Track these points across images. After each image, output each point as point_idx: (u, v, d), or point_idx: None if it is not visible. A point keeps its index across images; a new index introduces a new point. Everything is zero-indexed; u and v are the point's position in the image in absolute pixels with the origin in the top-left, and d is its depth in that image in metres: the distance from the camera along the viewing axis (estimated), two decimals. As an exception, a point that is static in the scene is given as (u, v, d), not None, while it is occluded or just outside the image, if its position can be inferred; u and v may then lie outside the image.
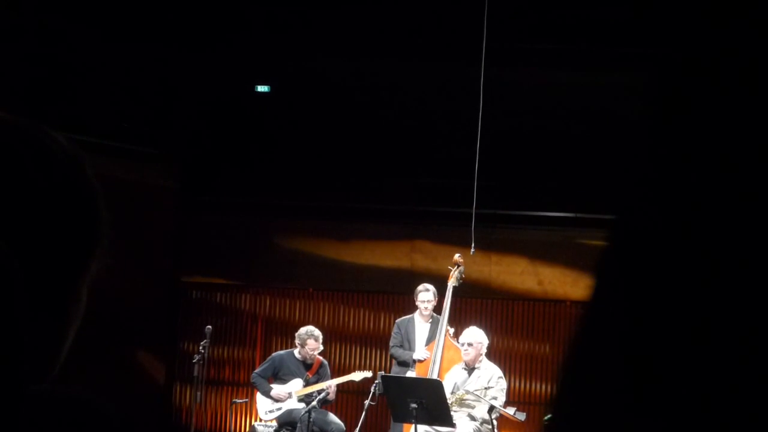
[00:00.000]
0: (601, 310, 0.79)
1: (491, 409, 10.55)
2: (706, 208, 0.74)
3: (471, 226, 11.70)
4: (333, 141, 14.60)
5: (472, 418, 10.69)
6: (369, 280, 14.91)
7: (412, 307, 12.25)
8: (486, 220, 12.97)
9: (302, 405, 11.86)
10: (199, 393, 12.15)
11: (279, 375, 12.15)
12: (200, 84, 14.42)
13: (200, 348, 12.08)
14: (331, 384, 11.90)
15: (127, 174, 13.58)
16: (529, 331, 14.73)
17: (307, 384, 12.05)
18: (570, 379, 0.79)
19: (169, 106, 14.31)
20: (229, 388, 14.93)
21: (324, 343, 12.61)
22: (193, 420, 12.58)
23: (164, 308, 14.69)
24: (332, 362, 13.70)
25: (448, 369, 11.22)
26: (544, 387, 14.43)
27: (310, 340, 12.02)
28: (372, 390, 11.04)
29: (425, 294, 11.89)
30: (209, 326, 12.34)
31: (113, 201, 1.35)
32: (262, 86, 14.77)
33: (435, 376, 11.09)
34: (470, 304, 14.31)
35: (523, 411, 10.94)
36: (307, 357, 12.08)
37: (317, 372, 12.14)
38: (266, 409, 12.11)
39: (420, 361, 11.63)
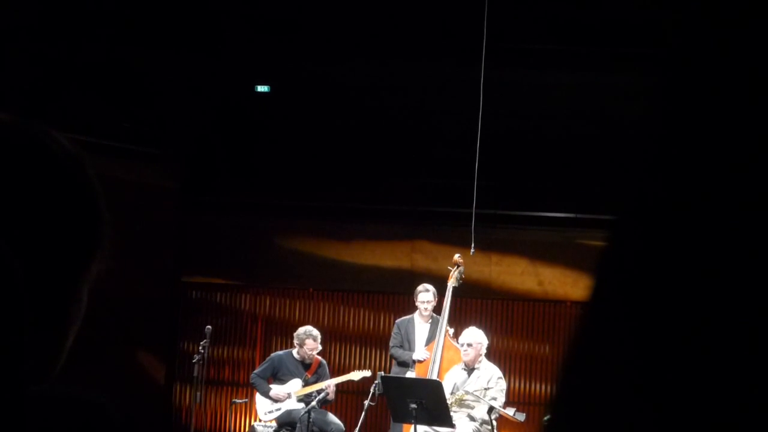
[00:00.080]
0: (601, 310, 0.79)
1: (491, 409, 10.55)
2: (706, 209, 0.74)
3: (471, 227, 11.70)
4: (333, 141, 14.60)
5: (472, 418, 10.69)
6: (369, 281, 14.90)
7: (411, 308, 12.25)
8: (486, 221, 12.97)
9: (301, 405, 11.85)
10: (198, 393, 12.15)
11: (278, 375, 12.15)
12: (201, 84, 14.42)
13: (200, 348, 12.08)
14: (330, 384, 11.90)
15: (128, 174, 13.57)
16: (529, 332, 14.72)
17: (306, 384, 12.05)
18: (570, 380, 0.80)
19: (170, 106, 14.30)
20: (229, 388, 14.93)
21: (324, 343, 12.61)
22: (193, 420, 12.58)
23: (164, 308, 14.68)
24: (332, 362, 13.70)
25: (447, 369, 11.22)
26: (543, 387, 14.43)
27: (308, 340, 12.01)
28: (372, 390, 11.04)
29: (425, 294, 11.89)
30: (209, 326, 12.34)
31: (113, 201, 1.35)
32: (262, 86, 14.77)
33: (435, 377, 11.09)
34: (470, 305, 14.31)
35: (522, 411, 10.94)
36: (306, 357, 12.07)
37: (316, 372, 12.13)
38: (266, 409, 12.11)
39: (420, 361, 11.63)
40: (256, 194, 14.85)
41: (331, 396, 11.89)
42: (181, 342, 14.98)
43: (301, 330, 12.20)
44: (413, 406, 10.13)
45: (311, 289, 15.11)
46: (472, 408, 10.75)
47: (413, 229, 14.79)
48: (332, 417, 12.01)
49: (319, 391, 11.82)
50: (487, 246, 13.49)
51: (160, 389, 14.80)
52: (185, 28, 13.92)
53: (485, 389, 10.74)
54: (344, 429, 12.00)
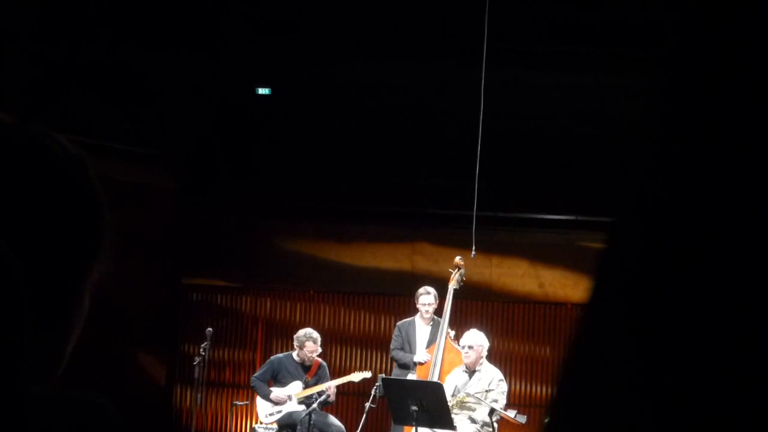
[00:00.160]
0: (601, 312, 0.79)
1: (492, 411, 10.55)
2: (706, 209, 0.74)
3: (472, 229, 11.70)
4: (334, 142, 14.61)
5: (473, 420, 10.69)
6: (370, 282, 14.90)
7: (412, 310, 12.25)
8: (487, 223, 12.97)
9: (302, 407, 11.85)
10: (199, 395, 12.15)
11: (278, 378, 12.15)
12: (201, 84, 14.43)
13: (201, 350, 12.08)
14: (330, 385, 11.90)
15: (128, 175, 13.57)
16: (530, 334, 14.72)
17: (306, 386, 12.04)
18: (570, 381, 0.79)
19: (170, 107, 14.30)
20: (230, 390, 14.93)
21: (324, 345, 12.60)
22: (194, 422, 12.59)
23: (165, 310, 14.68)
24: (333, 364, 13.70)
25: (448, 371, 11.22)
26: (544, 390, 14.43)
27: (308, 342, 12.01)
28: (372, 392, 11.04)
29: (426, 297, 11.89)
30: (210, 328, 12.34)
31: (113, 202, 1.35)
32: (263, 88, 14.78)
33: (436, 379, 11.09)
34: (471, 307, 14.31)
35: (523, 414, 10.95)
36: (306, 359, 12.07)
37: (316, 374, 12.13)
38: (266, 412, 12.11)
39: (421, 363, 11.63)
40: (256, 195, 14.85)
41: (332, 397, 11.89)
42: (181, 344, 14.98)
43: (301, 332, 12.20)
44: (414, 408, 10.13)
45: (312, 291, 15.11)
46: (473, 410, 10.75)
47: (414, 230, 14.79)
48: (333, 419, 12.01)
49: (319, 393, 11.81)
50: (487, 248, 13.49)
51: (161, 391, 14.80)
52: (185, 28, 13.92)
53: (486, 391, 10.74)
54: (345, 431, 12.00)
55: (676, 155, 0.76)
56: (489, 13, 11.62)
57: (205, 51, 14.15)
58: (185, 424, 14.29)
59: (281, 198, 14.81)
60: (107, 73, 13.63)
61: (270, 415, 12.07)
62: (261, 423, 12.18)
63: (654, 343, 0.74)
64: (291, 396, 12.02)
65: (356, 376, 12.19)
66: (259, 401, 12.17)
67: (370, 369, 12.96)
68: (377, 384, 11.06)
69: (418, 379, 11.35)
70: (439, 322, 11.70)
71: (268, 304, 15.24)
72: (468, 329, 11.28)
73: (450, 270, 11.89)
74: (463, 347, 11.01)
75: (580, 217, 14.01)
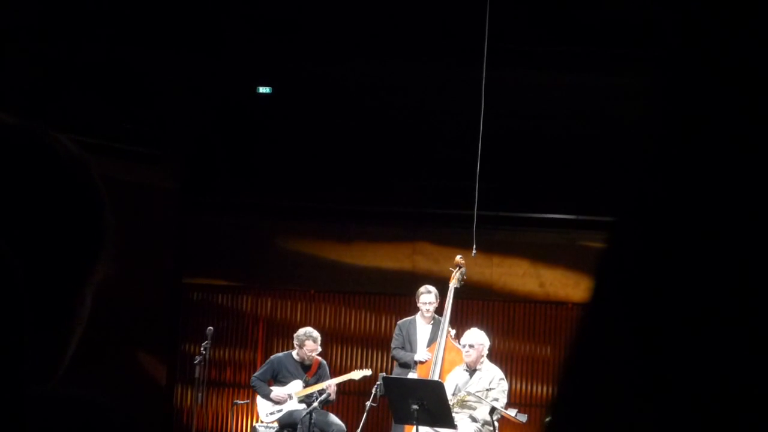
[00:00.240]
0: (601, 312, 0.79)
1: (492, 410, 10.55)
2: (706, 209, 0.74)
3: (473, 228, 11.70)
4: (334, 142, 14.61)
5: (474, 419, 10.70)
6: (370, 282, 14.91)
7: (413, 309, 12.25)
8: (488, 222, 12.97)
9: (302, 406, 11.85)
10: (200, 394, 12.15)
11: (278, 377, 12.15)
12: (201, 84, 14.43)
13: (201, 349, 12.08)
14: (331, 384, 11.90)
15: (129, 175, 13.57)
16: (531, 333, 14.72)
17: (306, 385, 12.04)
18: (570, 381, 0.79)
19: (170, 107, 14.30)
20: (231, 389, 14.93)
21: (325, 344, 12.60)
22: (195, 421, 12.59)
23: (165, 309, 14.68)
24: (334, 364, 13.70)
25: (449, 370, 11.22)
26: (545, 389, 14.43)
27: (308, 341, 12.01)
28: (373, 391, 11.04)
29: (427, 296, 11.90)
30: (210, 327, 12.34)
31: (114, 202, 1.35)
32: (264, 87, 14.78)
33: (436, 378, 11.09)
34: (472, 306, 14.31)
35: (524, 413, 10.95)
36: (305, 358, 12.07)
37: (316, 373, 12.13)
38: (267, 411, 12.11)
39: (421, 362, 11.64)
40: (256, 195, 14.85)
41: (333, 396, 11.89)
42: (182, 343, 14.98)
43: (301, 331, 12.20)
44: (415, 407, 10.14)
45: (312, 291, 15.11)
46: (474, 409, 10.75)
47: (415, 230, 14.79)
48: (334, 418, 12.01)
49: (320, 392, 11.81)
50: (488, 247, 13.50)
51: (162, 390, 14.80)
52: (185, 28, 13.92)
53: (487, 390, 10.74)
54: (346, 430, 12.00)
55: (676, 155, 0.76)
56: (489, 13, 11.62)
57: (205, 51, 14.15)
58: (186, 423, 14.29)
59: (282, 198, 14.81)
60: (107, 73, 13.63)
61: (270, 414, 12.07)
62: (261, 422, 12.18)
63: (654, 342, 0.74)
64: (291, 395, 12.02)
65: (356, 374, 12.19)
66: (260, 400, 12.17)
67: (371, 368, 12.96)
68: (378, 383, 11.06)
69: (419, 378, 11.35)
70: (439, 321, 11.70)
71: (269, 303, 15.24)
72: (469, 328, 11.29)
73: (451, 269, 11.89)
74: (464, 346, 11.01)
75: (580, 217, 14.01)
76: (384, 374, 11.62)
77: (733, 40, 0.75)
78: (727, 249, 0.73)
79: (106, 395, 1.27)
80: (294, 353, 12.18)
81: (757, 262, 0.72)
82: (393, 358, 12.28)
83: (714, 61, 0.75)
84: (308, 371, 12.12)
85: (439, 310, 11.86)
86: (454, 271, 11.82)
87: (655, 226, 0.76)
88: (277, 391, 12.05)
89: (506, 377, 11.18)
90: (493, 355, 11.69)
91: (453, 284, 11.78)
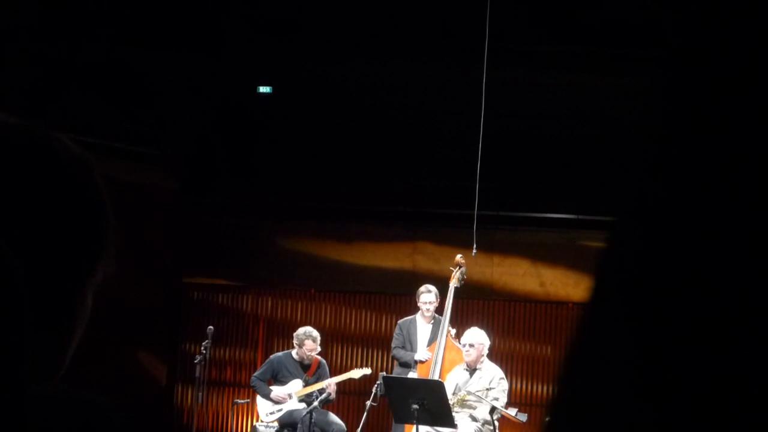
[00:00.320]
0: (601, 311, 0.79)
1: (493, 410, 10.55)
2: (706, 209, 0.74)
3: (473, 228, 11.70)
4: (335, 142, 14.61)
5: (474, 419, 10.70)
6: (371, 282, 14.91)
7: (413, 308, 12.25)
8: (488, 222, 12.98)
9: (302, 405, 11.85)
10: (200, 394, 12.15)
11: (278, 377, 12.15)
12: (201, 84, 14.43)
13: (202, 349, 12.08)
14: (330, 383, 11.89)
15: (129, 174, 13.57)
16: (531, 333, 14.72)
17: (306, 384, 12.04)
18: (570, 381, 0.79)
19: (170, 107, 14.31)
20: (231, 388, 14.93)
21: (326, 344, 12.59)
22: (195, 421, 12.58)
23: (166, 309, 14.69)
24: (334, 363, 13.70)
25: (449, 370, 11.22)
26: (545, 388, 14.43)
27: (307, 340, 12.01)
28: (373, 391, 11.04)
29: (427, 295, 11.90)
30: (211, 327, 12.33)
31: (115, 202, 1.35)
32: (264, 87, 14.78)
33: (436, 377, 11.09)
34: (472, 306, 14.31)
35: (524, 412, 10.95)
36: (305, 357, 12.07)
37: (316, 372, 12.13)
38: (267, 411, 12.10)
39: (422, 362, 11.64)
40: (257, 195, 14.85)
41: (333, 395, 11.89)
42: (182, 343, 14.99)
43: (301, 330, 12.20)
44: (415, 406, 10.14)
45: (313, 290, 15.11)
46: (474, 408, 10.75)
47: (415, 230, 14.80)
48: (334, 417, 12.01)
49: (320, 391, 11.81)
50: (489, 247, 13.50)
51: (162, 390, 14.80)
52: (185, 28, 13.92)
53: (487, 390, 10.74)
54: (346, 429, 12.00)
55: (676, 155, 0.76)
56: (489, 13, 11.62)
57: (205, 51, 14.15)
58: (186, 423, 14.29)
59: (282, 197, 14.82)
60: (107, 73, 13.64)
61: (270, 413, 12.07)
62: (262, 422, 12.18)
63: (654, 342, 0.74)
64: (291, 394, 12.02)
65: (356, 373, 12.19)
66: (259, 400, 12.17)
67: (372, 368, 12.96)
68: (378, 382, 11.06)
69: (419, 377, 11.35)
70: (440, 321, 11.70)
71: (270, 303, 15.25)
72: (469, 328, 11.29)
73: (451, 268, 11.89)
74: (464, 345, 11.01)
75: (581, 216, 14.01)
76: (384, 374, 11.62)
77: (733, 40, 0.75)
78: (726, 249, 0.73)
79: (106, 395, 1.27)
80: (293, 353, 12.18)
81: (757, 261, 0.72)
82: (393, 358, 12.28)
83: (714, 61, 0.75)
84: (308, 371, 12.12)
85: (440, 310, 11.86)
86: (455, 271, 11.82)
87: (655, 226, 0.76)
88: (277, 390, 12.05)
89: (506, 377, 11.17)
90: (494, 355, 11.69)
91: (453, 284, 11.78)
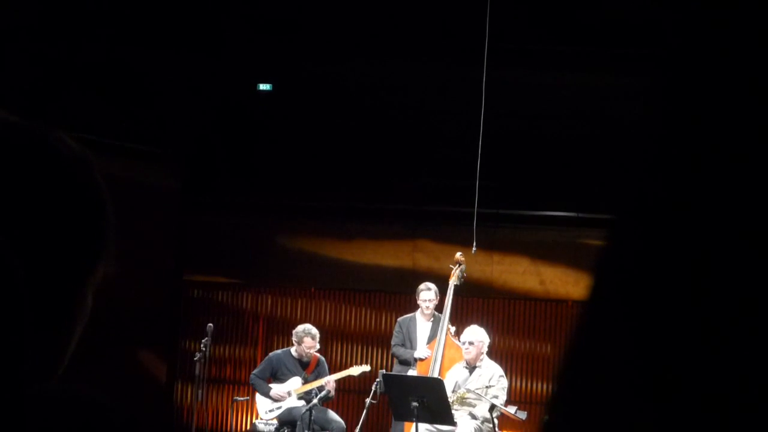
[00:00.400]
0: (599, 310, 0.79)
1: (492, 407, 10.55)
2: (706, 209, 0.74)
3: (473, 226, 11.70)
4: (335, 141, 14.60)
5: (473, 416, 10.70)
6: (371, 280, 14.91)
7: (413, 306, 12.25)
8: (488, 220, 12.98)
9: (302, 403, 11.85)
10: (200, 391, 12.14)
11: (277, 375, 12.15)
12: (201, 84, 14.42)
13: (201, 346, 12.07)
14: (329, 380, 11.90)
15: (129, 172, 13.57)
16: (531, 331, 14.72)
17: (305, 382, 12.04)
18: (568, 379, 0.80)
19: (170, 106, 14.30)
20: (231, 386, 14.93)
21: (326, 342, 12.59)
22: (195, 418, 12.58)
23: (166, 307, 14.68)
24: (334, 361, 13.70)
25: (449, 368, 11.22)
26: (545, 386, 14.43)
27: (306, 338, 12.02)
28: (373, 388, 11.04)
29: (427, 293, 11.90)
30: (210, 324, 12.33)
31: (115, 200, 1.35)
32: (264, 84, 14.76)
33: (436, 375, 11.09)
34: (472, 304, 14.31)
35: (524, 410, 10.95)
36: (304, 355, 12.07)
37: (315, 369, 12.13)
38: (266, 408, 12.10)
39: (421, 359, 11.64)
40: (257, 193, 14.85)
41: (332, 393, 11.89)
42: (182, 340, 14.99)
43: (300, 328, 12.20)
44: (415, 404, 10.14)
45: (313, 289, 15.11)
46: (474, 406, 10.75)
47: (415, 228, 14.80)
48: (333, 415, 12.01)
49: (320, 389, 11.81)
50: (488, 245, 13.50)
51: (162, 388, 14.80)
52: (185, 28, 13.92)
53: (487, 387, 10.74)
54: (345, 427, 12.00)
55: (676, 154, 0.76)
56: (489, 13, 11.61)
57: (205, 51, 14.14)
58: (186, 420, 14.29)
59: (282, 196, 14.81)
60: (107, 73, 13.63)
61: (270, 411, 12.07)
62: (261, 419, 12.18)
63: (654, 341, 0.74)
64: (290, 392, 12.02)
65: (355, 370, 12.20)
66: (259, 398, 12.17)
67: (371, 366, 12.96)
68: (378, 380, 11.06)
69: (419, 375, 11.36)
70: (439, 319, 11.70)
71: (269, 300, 15.25)
72: (469, 325, 11.29)
73: (451, 266, 11.90)
74: (464, 343, 11.01)
75: (581, 215, 14.01)
76: (384, 371, 11.62)
77: (733, 40, 0.75)
78: (726, 247, 0.73)
79: (106, 393, 1.27)
80: (292, 350, 12.18)
81: (757, 260, 0.72)
82: (393, 356, 12.28)
83: (714, 61, 0.76)
84: (307, 368, 12.13)
85: (439, 308, 11.86)
86: (454, 269, 11.82)
87: (654, 225, 0.76)
88: (276, 388, 12.05)
89: (506, 374, 11.17)
90: (493, 353, 11.69)
91: (453, 281, 11.78)
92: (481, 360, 10.98)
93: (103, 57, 13.54)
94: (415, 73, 14.14)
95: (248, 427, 14.22)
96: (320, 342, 12.19)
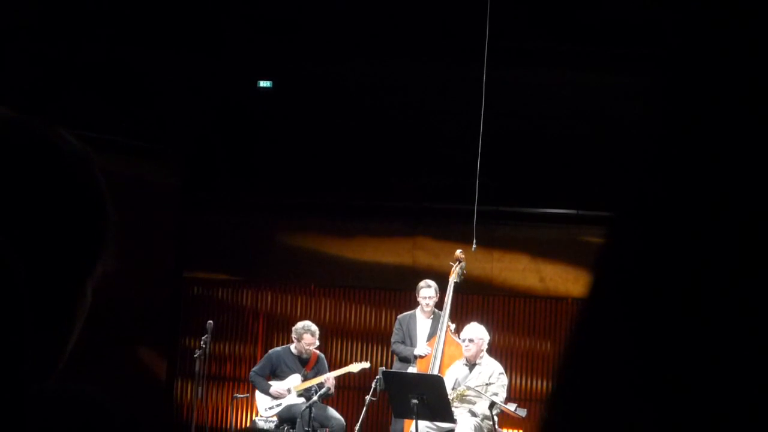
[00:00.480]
0: (599, 307, 0.79)
1: (492, 405, 10.56)
2: (705, 208, 0.74)
3: (473, 223, 11.70)
4: (335, 138, 14.60)
5: (473, 414, 10.70)
6: (371, 277, 14.91)
7: (413, 304, 12.26)
8: (488, 217, 12.98)
9: (302, 400, 11.86)
10: (200, 388, 12.14)
11: (276, 372, 12.15)
12: (201, 83, 14.42)
13: (201, 344, 12.07)
14: (329, 377, 11.90)
15: (129, 170, 13.57)
16: (531, 328, 14.73)
17: (305, 379, 12.05)
18: (567, 377, 0.80)
19: (171, 105, 14.30)
20: (231, 383, 14.94)
21: (325, 339, 12.58)
22: (195, 415, 12.58)
23: (166, 304, 14.68)
24: (333, 358, 13.70)
25: (449, 365, 11.23)
26: (545, 384, 14.44)
27: (306, 334, 12.02)
28: (373, 386, 11.04)
29: (427, 290, 11.90)
30: (210, 322, 12.32)
31: (115, 197, 1.35)
32: (264, 82, 14.76)
33: (436, 372, 11.09)
34: (472, 301, 14.31)
35: (524, 408, 10.95)
36: (303, 352, 12.07)
37: (314, 366, 12.13)
38: (266, 406, 12.11)
39: (421, 356, 11.64)
40: (257, 191, 14.85)
41: (332, 390, 11.89)
42: (182, 338, 14.99)
43: (300, 324, 12.21)
44: (414, 401, 10.14)
45: (313, 286, 15.11)
46: (474, 403, 10.75)
47: (415, 225, 14.80)
48: (333, 412, 12.01)
49: (319, 386, 11.81)
50: (488, 242, 13.50)
51: (162, 385, 14.80)
52: (185, 27, 13.91)
53: (486, 385, 10.75)
54: (345, 424, 12.00)
55: (676, 153, 0.76)
56: (489, 12, 11.61)
57: (205, 50, 14.14)
58: (186, 418, 14.29)
59: (282, 194, 14.82)
60: (107, 73, 13.63)
61: (270, 408, 12.07)
62: (261, 416, 12.18)
63: (653, 339, 0.74)
64: (290, 389, 12.02)
65: (355, 367, 12.20)
66: (259, 395, 12.17)
67: (371, 363, 12.96)
68: (378, 377, 11.07)
69: (419, 372, 11.36)
70: (439, 316, 11.70)
71: (269, 298, 15.25)
72: (468, 323, 11.29)
73: (451, 264, 11.90)
74: (464, 340, 11.01)
75: (581, 212, 14.01)
76: (384, 368, 11.63)
77: (733, 40, 0.75)
78: (726, 247, 0.73)
79: (106, 391, 1.27)
80: (292, 347, 12.19)
81: (757, 259, 0.72)
82: (393, 353, 12.28)
83: (714, 61, 0.76)
84: (306, 365, 12.13)
85: (439, 305, 11.86)
86: (454, 266, 11.82)
87: (654, 224, 0.76)
88: (276, 385, 12.05)
89: (506, 372, 11.18)
90: (493, 350, 11.69)
91: (453, 279, 11.78)
92: (481, 357, 10.98)
93: (103, 57, 13.54)
94: (415, 73, 14.14)
95: (248, 424, 14.22)
96: (320, 339, 12.20)
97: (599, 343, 0.78)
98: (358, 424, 11.08)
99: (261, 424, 12.11)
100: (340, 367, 12.57)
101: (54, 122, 1.34)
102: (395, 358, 12.22)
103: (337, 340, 14.82)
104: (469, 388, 10.76)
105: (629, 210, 0.79)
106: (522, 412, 10.71)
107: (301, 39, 13.96)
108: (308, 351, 12.08)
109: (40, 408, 1.18)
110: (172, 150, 14.51)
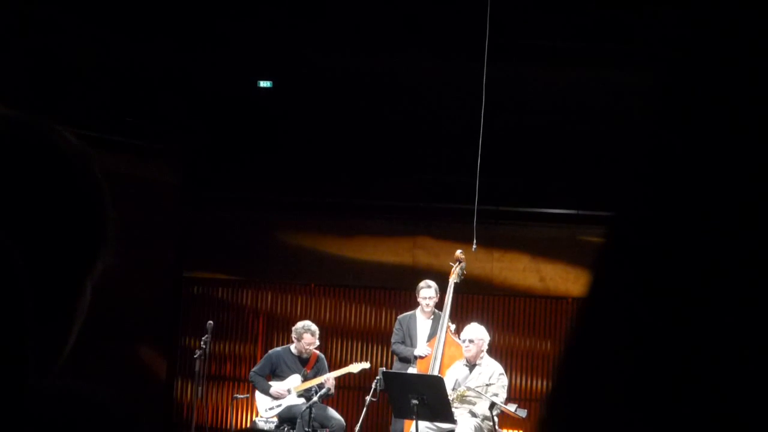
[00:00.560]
0: (598, 307, 0.79)
1: (492, 405, 10.56)
2: (705, 208, 0.74)
3: (473, 223, 11.70)
4: (335, 137, 14.60)
5: (473, 414, 10.70)
6: (371, 276, 14.91)
7: (413, 304, 12.26)
8: (488, 217, 12.98)
9: (302, 400, 11.86)
10: (200, 388, 12.14)
11: (276, 372, 12.15)
12: (203, 79, 14.42)
13: (202, 343, 12.08)
14: (329, 377, 11.90)
15: (129, 168, 13.57)
16: (531, 328, 14.73)
17: (305, 379, 12.04)
18: (566, 377, 0.80)
19: (172, 101, 14.30)
20: (231, 383, 14.94)
21: (325, 339, 12.58)
22: (195, 415, 12.59)
23: (166, 303, 14.69)
24: (333, 358, 13.70)
25: (449, 365, 11.22)
26: (545, 384, 14.43)
27: (306, 334, 12.02)
28: (373, 386, 11.04)
29: (427, 290, 11.89)
30: (211, 321, 12.33)
31: (115, 195, 1.35)
32: (265, 81, 14.77)
33: (436, 373, 11.09)
34: (472, 301, 14.32)
35: (524, 408, 10.95)
36: (303, 351, 12.07)
37: (314, 366, 12.13)
38: (266, 406, 12.10)
39: (421, 357, 11.64)
40: (257, 190, 14.85)
41: (332, 390, 11.89)
42: (182, 337, 14.99)
43: (300, 324, 12.21)
44: (415, 401, 10.14)
45: (313, 285, 15.11)
46: (474, 404, 10.75)
47: (415, 225, 14.80)
48: (333, 412, 12.01)
49: (319, 386, 11.81)
50: (488, 242, 13.50)
51: (162, 384, 14.80)
52: (187, 21, 13.91)
53: (487, 385, 10.74)
54: (345, 424, 12.00)
55: (676, 152, 0.76)
56: (491, 8, 11.61)
57: (205, 47, 14.14)
58: (186, 417, 14.30)
59: (282, 192, 14.82)
60: (108, 69, 13.63)
61: (270, 409, 12.07)
62: (261, 417, 12.18)
63: (652, 340, 0.74)
64: (290, 389, 12.02)
65: (355, 367, 12.20)
66: (259, 395, 12.17)
67: (371, 363, 12.96)
68: (378, 378, 11.06)
69: (419, 372, 11.36)
70: (439, 316, 11.70)
71: (269, 297, 15.25)
72: (469, 323, 11.29)
73: (451, 264, 11.89)
74: (464, 341, 11.01)
75: (581, 212, 14.01)
76: (384, 369, 11.63)
77: (733, 40, 0.75)
78: (726, 246, 0.73)
79: (106, 389, 1.27)
80: (292, 347, 12.19)
81: (757, 259, 0.72)
82: (393, 353, 12.28)
83: (714, 60, 0.75)
84: (306, 365, 12.13)
85: (439, 305, 11.86)
86: (454, 266, 11.82)
87: (654, 222, 0.76)
88: (276, 386, 12.05)
89: (506, 372, 11.17)
90: (493, 350, 11.69)
91: (453, 279, 11.78)
92: (481, 358, 10.98)
93: (103, 56, 13.54)
94: (416, 70, 14.14)
95: (248, 424, 14.23)
96: (320, 339, 12.20)
97: (598, 343, 0.77)
98: (358, 424, 11.08)
99: (261, 424, 12.11)
100: (340, 367, 12.57)
101: (54, 122, 1.34)
102: (395, 358, 12.22)
103: (336, 340, 14.82)
104: (469, 388, 10.76)
105: (629, 209, 0.79)
106: (522, 413, 10.71)
107: (301, 35, 13.96)
108: (308, 351, 12.08)
109: (40, 406, 1.18)
110: (172, 149, 14.51)
